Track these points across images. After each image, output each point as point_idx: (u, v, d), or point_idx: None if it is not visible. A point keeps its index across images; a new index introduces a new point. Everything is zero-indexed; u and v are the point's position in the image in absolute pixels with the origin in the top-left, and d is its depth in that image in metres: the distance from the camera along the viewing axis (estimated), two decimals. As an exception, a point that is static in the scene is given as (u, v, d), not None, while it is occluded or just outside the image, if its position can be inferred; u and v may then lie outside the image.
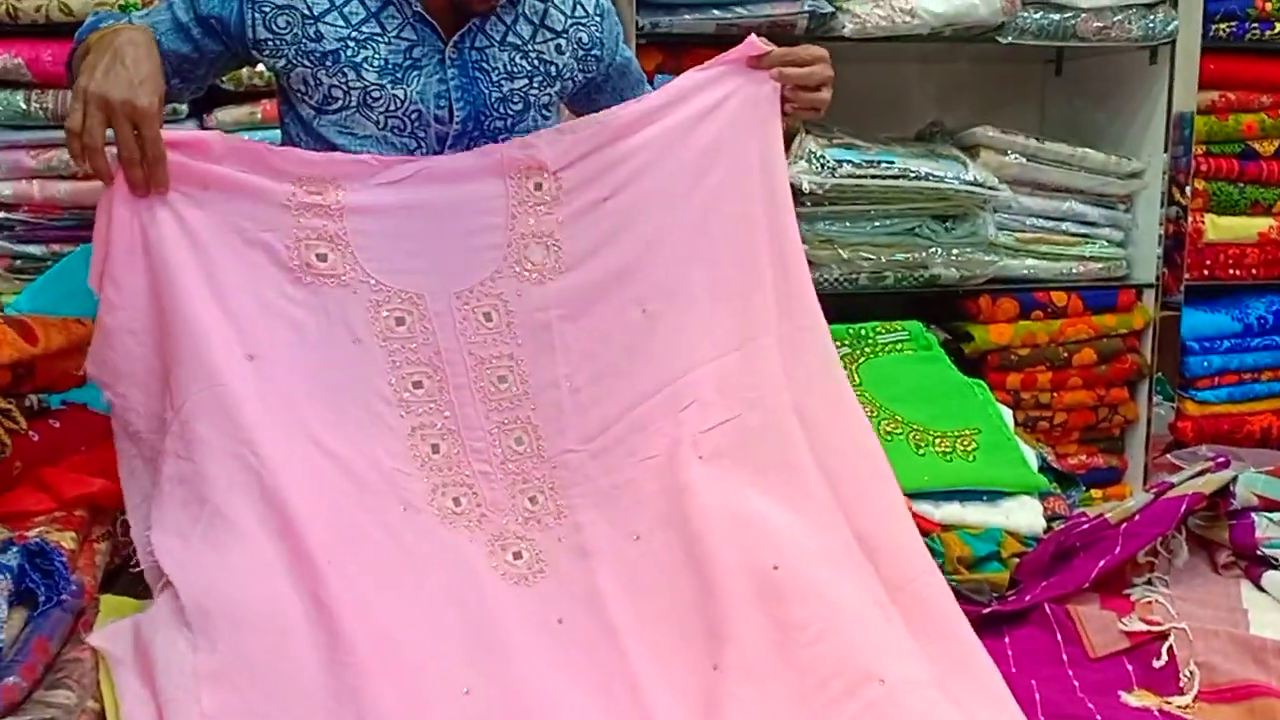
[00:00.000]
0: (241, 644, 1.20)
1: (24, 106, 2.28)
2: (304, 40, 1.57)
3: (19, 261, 2.37)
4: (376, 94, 1.58)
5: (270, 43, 1.57)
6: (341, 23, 1.58)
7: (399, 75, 1.59)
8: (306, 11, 1.57)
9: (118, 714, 1.17)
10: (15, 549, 1.17)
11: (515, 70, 1.66)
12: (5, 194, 2.33)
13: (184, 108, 2.30)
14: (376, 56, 1.58)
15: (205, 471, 1.35)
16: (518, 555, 1.43)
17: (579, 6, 1.73)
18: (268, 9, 1.56)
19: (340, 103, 1.59)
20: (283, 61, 1.58)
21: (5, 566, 1.12)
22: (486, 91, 1.64)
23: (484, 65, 1.64)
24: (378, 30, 1.59)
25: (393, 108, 1.59)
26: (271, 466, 1.35)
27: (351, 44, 1.58)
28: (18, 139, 2.32)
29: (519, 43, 1.67)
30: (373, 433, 1.45)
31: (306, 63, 1.58)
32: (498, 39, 1.65)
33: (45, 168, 2.32)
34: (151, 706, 1.17)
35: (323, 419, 1.44)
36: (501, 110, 1.65)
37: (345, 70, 1.57)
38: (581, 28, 1.72)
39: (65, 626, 1.24)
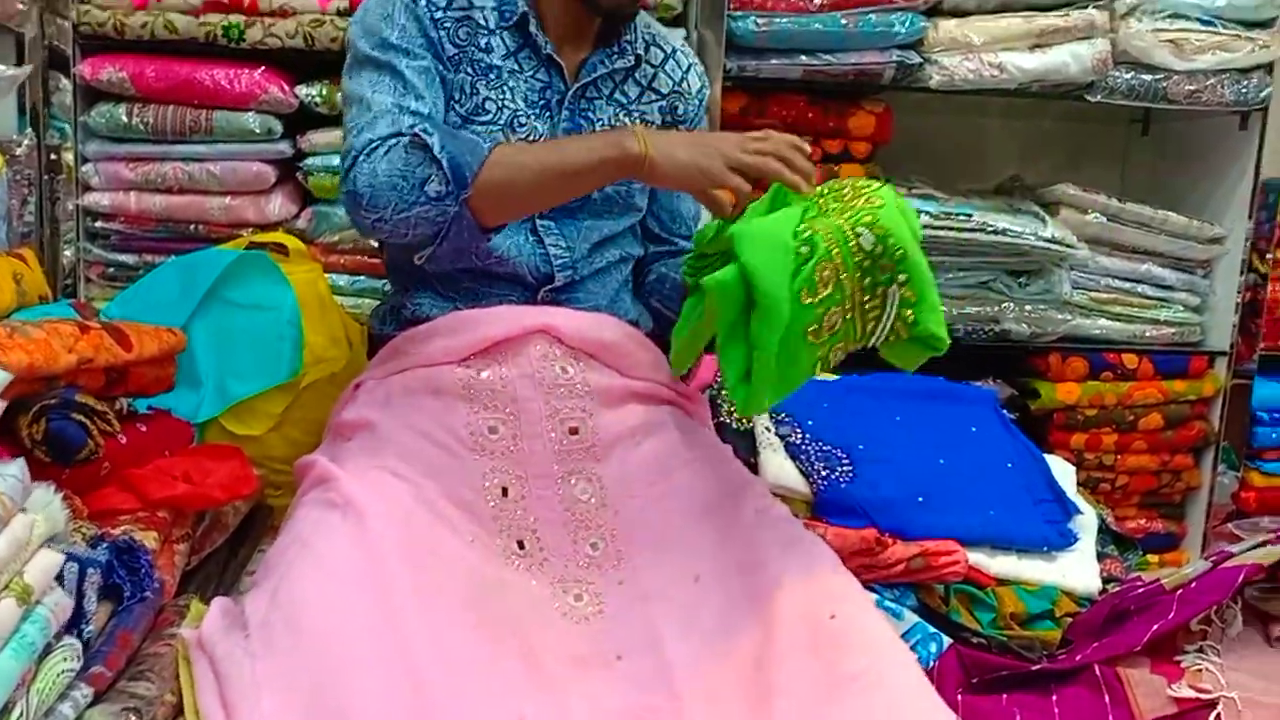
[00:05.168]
0: (300, 648, 1.22)
1: (125, 120, 2.36)
2: (474, 49, 1.63)
3: (112, 269, 2.46)
4: (523, 120, 1.65)
5: (455, 57, 1.64)
6: (500, 46, 1.65)
7: (538, 110, 1.66)
8: (482, 23, 1.64)
9: (195, 707, 1.20)
10: (105, 545, 1.23)
11: (617, 126, 1.71)
12: (103, 204, 2.41)
13: (278, 128, 2.38)
14: (520, 88, 1.65)
15: (295, 515, 1.45)
16: (578, 597, 1.45)
17: (685, 81, 1.80)
18: (449, 25, 1.63)
19: (490, 116, 1.64)
20: (452, 71, 1.64)
21: (96, 561, 1.17)
22: None
23: (589, 115, 1.70)
24: (517, 68, 1.66)
25: (531, 138, 1.65)
26: (348, 492, 1.42)
27: (506, 70, 1.65)
28: (117, 151, 2.41)
29: (624, 101, 1.73)
30: (449, 465, 1.50)
31: (471, 71, 1.64)
32: (606, 93, 1.72)
33: (142, 180, 2.40)
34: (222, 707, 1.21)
35: (401, 456, 1.50)
36: None
37: (505, 88, 1.64)
38: (680, 99, 1.80)
39: (147, 622, 1.28)
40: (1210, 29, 2.55)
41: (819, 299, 1.32)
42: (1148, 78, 2.56)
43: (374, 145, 1.51)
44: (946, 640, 1.78)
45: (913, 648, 1.74)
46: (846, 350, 1.38)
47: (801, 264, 1.32)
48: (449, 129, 1.58)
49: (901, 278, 1.36)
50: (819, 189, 1.46)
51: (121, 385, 1.57)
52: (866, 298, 1.36)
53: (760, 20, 2.39)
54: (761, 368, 1.31)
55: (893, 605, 1.86)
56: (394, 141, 1.51)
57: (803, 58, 2.44)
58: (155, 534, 1.41)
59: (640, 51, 1.74)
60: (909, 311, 1.37)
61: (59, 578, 1.08)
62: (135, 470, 1.52)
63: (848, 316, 1.35)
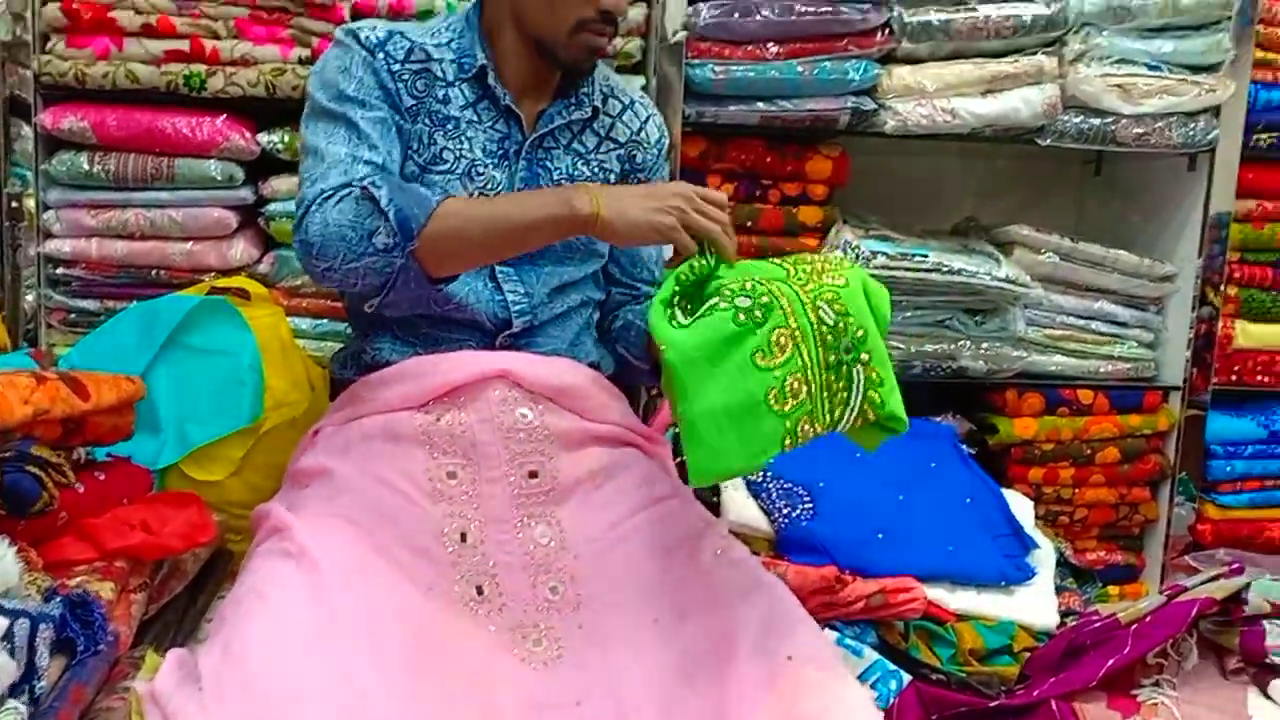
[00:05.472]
0: (252, 702, 1.21)
1: (86, 168, 2.36)
2: (432, 100, 1.66)
3: (73, 315, 2.45)
4: (481, 169, 1.67)
5: (413, 108, 1.66)
6: (459, 97, 1.67)
7: (496, 160, 1.68)
8: (440, 75, 1.67)
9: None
10: (58, 599, 1.23)
11: (575, 175, 1.74)
12: (64, 251, 2.41)
13: (240, 174, 2.39)
14: (479, 138, 1.68)
15: (250, 565, 1.45)
16: (537, 642, 1.46)
17: (643, 130, 1.82)
18: (407, 77, 1.65)
19: (448, 165, 1.67)
20: (410, 122, 1.66)
21: (49, 616, 1.17)
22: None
23: (546, 164, 1.72)
24: (475, 118, 1.68)
25: (489, 187, 1.68)
26: (302, 542, 1.42)
27: (464, 120, 1.67)
28: (79, 198, 2.40)
29: (582, 151, 1.76)
30: (408, 512, 1.51)
31: (429, 121, 1.66)
32: (563, 143, 1.74)
33: (104, 227, 2.40)
34: None
35: (358, 503, 1.51)
36: None
37: (463, 138, 1.66)
38: (638, 148, 1.82)
39: (101, 675, 1.28)
40: (1157, 74, 2.59)
41: (777, 363, 1.34)
42: (1097, 121, 2.60)
43: (326, 195, 1.52)
44: (906, 677, 1.80)
45: (873, 685, 1.76)
46: (815, 431, 1.38)
47: (755, 328, 1.35)
48: (399, 181, 1.59)
49: (864, 357, 1.38)
50: (789, 259, 1.49)
51: (79, 435, 1.57)
52: (833, 378, 1.38)
53: (718, 68, 2.42)
54: (694, 431, 1.32)
55: (853, 643, 1.88)
56: (345, 192, 1.52)
57: (760, 104, 2.48)
58: (112, 584, 1.41)
59: (598, 103, 1.77)
60: (875, 394, 1.39)
61: (7, 637, 1.07)
62: (92, 520, 1.52)
63: (813, 390, 1.37)
